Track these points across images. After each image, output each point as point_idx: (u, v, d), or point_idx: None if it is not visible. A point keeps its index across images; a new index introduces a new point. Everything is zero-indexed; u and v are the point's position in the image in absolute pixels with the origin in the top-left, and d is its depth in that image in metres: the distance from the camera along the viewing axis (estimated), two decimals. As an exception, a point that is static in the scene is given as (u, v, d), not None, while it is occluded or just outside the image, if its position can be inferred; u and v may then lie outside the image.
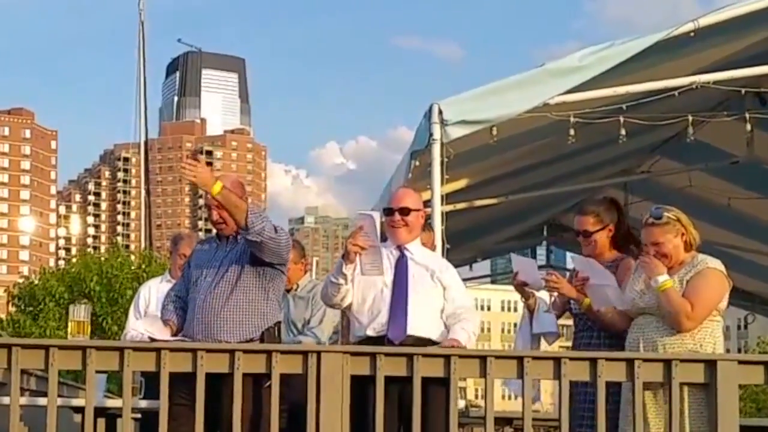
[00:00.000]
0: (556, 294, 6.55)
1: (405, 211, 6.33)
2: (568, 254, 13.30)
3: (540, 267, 7.13)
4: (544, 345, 6.73)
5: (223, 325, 6.06)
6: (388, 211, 6.37)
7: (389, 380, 5.61)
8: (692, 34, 7.42)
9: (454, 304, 6.25)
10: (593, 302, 6.25)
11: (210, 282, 6.12)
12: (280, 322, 6.29)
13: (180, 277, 6.51)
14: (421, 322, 6.16)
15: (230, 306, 6.09)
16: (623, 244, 6.56)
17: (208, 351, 5.57)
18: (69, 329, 6.09)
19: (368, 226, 6.07)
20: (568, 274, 6.70)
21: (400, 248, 6.35)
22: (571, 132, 7.64)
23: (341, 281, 6.16)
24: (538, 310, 6.59)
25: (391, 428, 5.83)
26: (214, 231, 6.36)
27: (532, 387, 6.20)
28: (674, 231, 6.01)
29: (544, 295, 6.62)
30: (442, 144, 7.36)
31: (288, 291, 7.62)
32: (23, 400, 5.99)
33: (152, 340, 5.89)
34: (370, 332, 6.19)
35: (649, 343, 5.92)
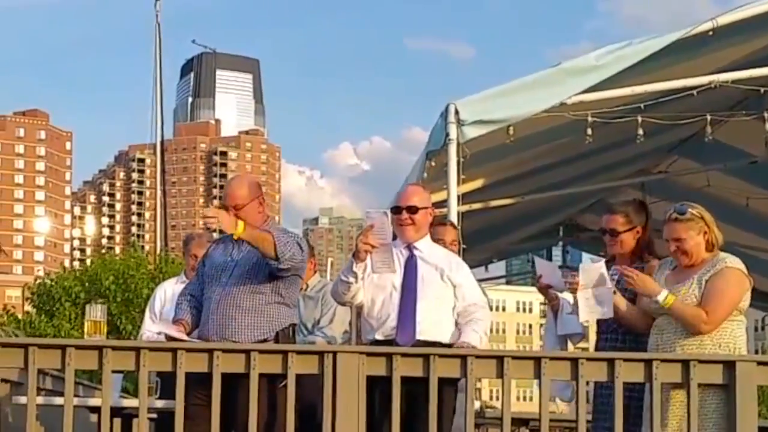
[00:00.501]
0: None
1: (413, 210, 6.28)
2: (584, 255, 13.26)
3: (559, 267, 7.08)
4: (570, 347, 6.70)
5: (238, 325, 6.05)
6: (396, 210, 6.33)
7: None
8: (711, 33, 7.38)
9: (464, 302, 6.22)
10: (581, 312, 6.20)
11: (225, 282, 6.11)
12: (295, 324, 6.27)
13: (194, 277, 6.51)
14: (431, 326, 6.12)
15: (245, 307, 6.08)
16: (644, 249, 6.50)
17: (225, 351, 5.55)
18: (85, 329, 6.09)
19: (379, 224, 6.04)
20: (614, 270, 6.56)
21: (409, 247, 6.32)
22: (589, 131, 7.61)
23: (351, 280, 6.13)
24: (562, 312, 6.56)
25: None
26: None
27: (566, 388, 6.22)
28: (697, 228, 5.95)
29: (568, 297, 6.58)
30: (458, 144, 7.33)
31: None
32: (39, 400, 5.97)
33: (169, 338, 5.89)
34: (378, 336, 6.17)
35: (667, 345, 5.87)
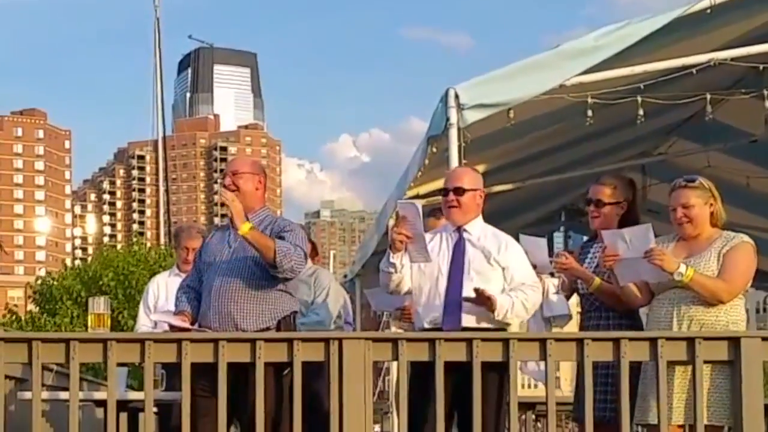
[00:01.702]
0: (563, 275, 6.48)
1: (459, 191, 6.24)
2: (585, 238, 13.23)
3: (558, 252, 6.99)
4: (555, 330, 6.67)
5: (240, 313, 6.05)
6: (443, 191, 6.31)
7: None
8: (709, 11, 7.34)
9: (513, 283, 6.17)
10: (619, 278, 6.07)
11: (225, 271, 6.10)
12: (296, 312, 6.27)
13: (192, 268, 6.49)
14: (477, 311, 6.08)
15: (246, 295, 6.07)
16: (626, 226, 6.45)
17: (229, 341, 5.54)
18: (89, 322, 6.07)
19: (411, 215, 6.03)
20: (596, 247, 6.50)
21: (459, 230, 6.26)
22: (589, 113, 7.58)
23: (391, 270, 6.14)
24: (548, 293, 6.53)
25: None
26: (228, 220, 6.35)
27: (535, 368, 6.19)
28: (704, 197, 5.96)
29: (554, 279, 6.56)
30: (458, 129, 7.30)
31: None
32: (44, 395, 5.97)
33: (171, 327, 5.89)
34: (426, 324, 6.15)
35: (684, 318, 5.86)
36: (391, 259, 6.10)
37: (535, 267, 6.41)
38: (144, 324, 7.74)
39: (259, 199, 6.25)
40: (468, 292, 6.06)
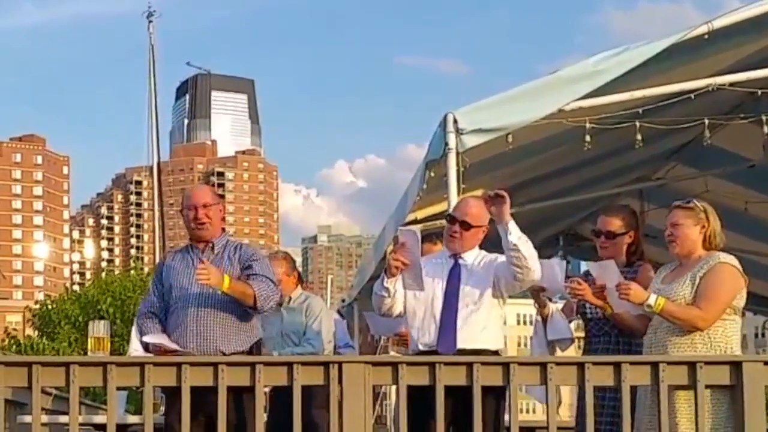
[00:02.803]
0: (575, 300, 6.48)
1: (465, 225, 6.27)
2: (582, 263, 13.23)
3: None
4: (558, 353, 6.67)
5: (220, 335, 6.11)
6: (449, 218, 6.32)
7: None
8: (706, 36, 7.38)
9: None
10: (613, 306, 6.17)
11: (197, 295, 6.13)
12: (261, 339, 6.32)
13: (149, 295, 6.46)
14: (473, 334, 6.10)
15: (224, 317, 6.16)
16: (633, 255, 6.51)
17: (229, 365, 5.54)
18: (89, 345, 6.07)
19: (410, 242, 6.06)
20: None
21: (454, 257, 6.29)
22: (587, 138, 7.60)
23: (384, 294, 6.18)
24: (552, 317, 6.54)
25: None
26: (188, 239, 6.44)
27: (555, 393, 6.15)
28: (695, 219, 5.95)
29: (558, 304, 6.58)
30: (457, 153, 7.32)
31: (280, 305, 7.64)
32: (44, 419, 5.96)
33: (161, 349, 5.91)
34: (421, 347, 6.17)
35: (659, 344, 5.85)
36: (385, 284, 6.14)
37: (543, 290, 6.42)
38: (135, 349, 7.73)
39: (221, 226, 6.34)
40: (463, 316, 6.07)
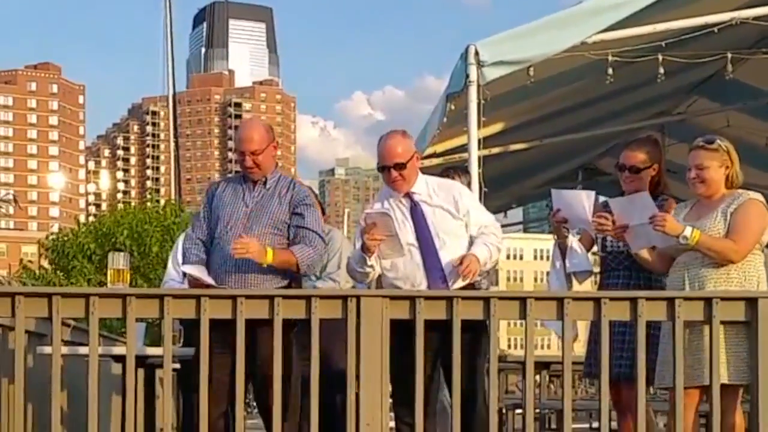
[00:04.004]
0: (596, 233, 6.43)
1: (400, 166, 6.15)
2: (601, 198, 13.20)
3: None
4: (576, 285, 6.64)
5: (259, 271, 6.05)
6: (382, 169, 6.21)
7: (427, 327, 5.55)
8: (731, -31, 7.29)
9: (476, 226, 6.15)
10: (632, 245, 6.12)
11: (242, 230, 6.08)
12: (300, 274, 6.28)
13: (199, 220, 6.37)
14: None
15: None
16: (656, 188, 6.45)
17: (248, 297, 5.54)
18: (108, 277, 6.07)
19: (381, 223, 6.00)
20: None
21: (408, 195, 6.21)
22: (609, 71, 7.54)
23: (368, 270, 6.13)
24: (572, 248, 6.49)
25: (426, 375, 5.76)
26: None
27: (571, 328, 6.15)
28: (720, 160, 5.93)
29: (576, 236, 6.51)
30: (478, 86, 7.26)
31: None
32: (64, 350, 5.98)
33: (195, 282, 5.90)
34: None
35: (695, 280, 5.86)
36: (369, 262, 6.08)
37: (566, 221, 6.36)
38: (173, 278, 7.71)
39: (274, 162, 6.27)
40: (444, 254, 6.06)
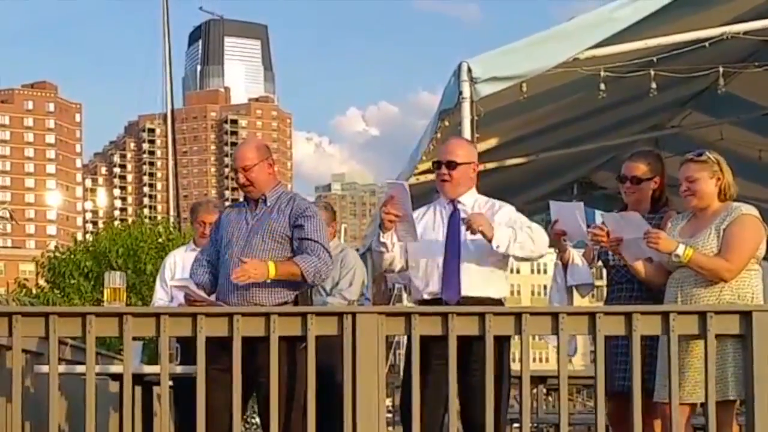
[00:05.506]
0: (595, 246, 6.45)
1: (452, 165, 6.19)
2: (597, 212, 13.23)
3: None
4: (577, 299, 6.66)
5: (259, 288, 6.07)
6: (436, 164, 6.29)
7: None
8: (721, -16, 7.34)
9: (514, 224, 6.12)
10: (627, 258, 6.15)
11: (243, 246, 6.12)
12: (307, 289, 6.29)
13: (208, 242, 6.51)
14: (477, 281, 6.09)
15: None
16: (658, 201, 6.48)
17: (244, 315, 5.56)
18: (105, 296, 6.09)
19: (399, 194, 6.04)
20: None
21: (453, 203, 6.24)
22: (602, 86, 7.58)
23: (383, 249, 6.16)
24: (573, 262, 6.52)
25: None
26: (242, 196, 6.40)
27: (568, 342, 6.17)
28: (710, 171, 5.94)
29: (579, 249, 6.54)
30: (471, 102, 7.29)
31: None
32: (61, 369, 5.99)
33: (189, 299, 5.91)
34: (425, 296, 6.16)
35: (687, 298, 5.87)
36: (382, 239, 6.11)
37: (564, 234, 6.39)
38: (161, 298, 7.77)
39: (272, 180, 6.27)
40: (466, 263, 6.06)
